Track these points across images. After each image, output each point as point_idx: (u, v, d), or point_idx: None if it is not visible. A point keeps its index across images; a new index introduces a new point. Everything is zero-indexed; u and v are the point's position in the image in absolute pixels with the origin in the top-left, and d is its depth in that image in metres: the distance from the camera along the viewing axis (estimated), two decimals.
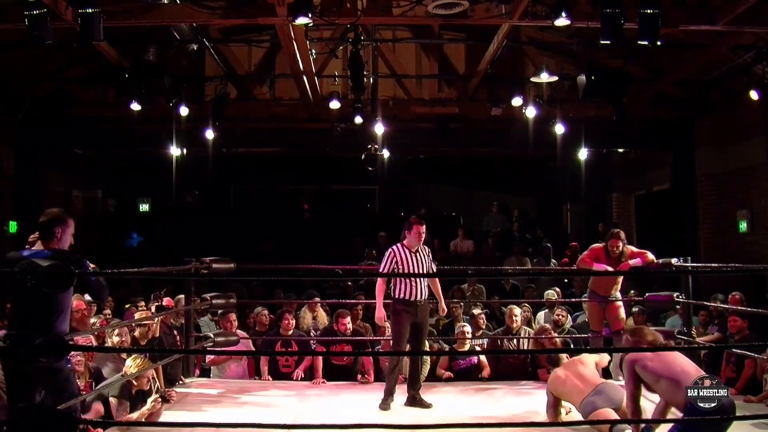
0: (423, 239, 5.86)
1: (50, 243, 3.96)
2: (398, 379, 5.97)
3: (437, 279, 6.21)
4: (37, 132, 10.84)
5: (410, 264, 5.73)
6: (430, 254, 5.99)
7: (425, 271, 5.83)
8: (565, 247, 12.05)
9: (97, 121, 11.10)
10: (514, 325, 7.08)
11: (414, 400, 5.72)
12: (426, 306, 5.87)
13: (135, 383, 4.93)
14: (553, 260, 11.33)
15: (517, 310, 7.15)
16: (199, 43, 9.37)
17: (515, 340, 7.16)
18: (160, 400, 4.88)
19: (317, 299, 8.03)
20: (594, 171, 12.98)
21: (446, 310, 6.38)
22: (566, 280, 10.22)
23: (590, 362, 5.08)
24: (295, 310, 7.87)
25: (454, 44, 10.67)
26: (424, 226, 5.83)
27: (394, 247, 5.85)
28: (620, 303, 6.55)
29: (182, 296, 6.82)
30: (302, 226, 14.60)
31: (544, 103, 10.03)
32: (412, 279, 5.72)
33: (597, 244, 6.67)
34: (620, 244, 6.30)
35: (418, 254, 5.80)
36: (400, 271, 5.72)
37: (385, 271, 5.80)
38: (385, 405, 5.62)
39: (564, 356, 6.11)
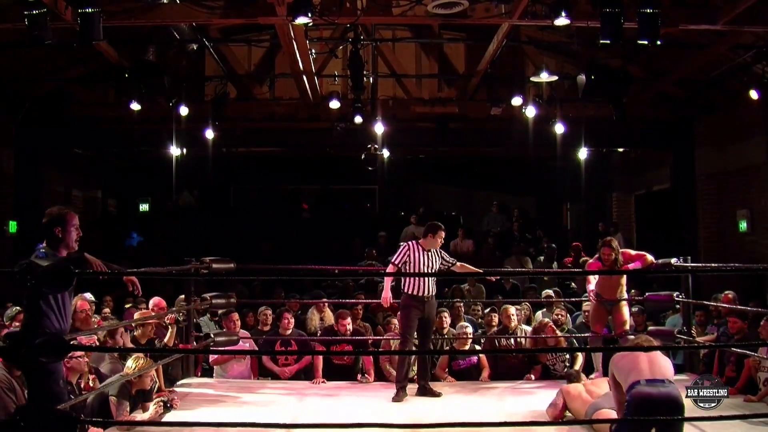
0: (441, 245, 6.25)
1: (55, 243, 3.95)
2: (409, 374, 6.15)
3: (465, 265, 6.39)
4: (37, 132, 10.84)
5: (421, 262, 6.07)
6: (443, 254, 6.26)
7: (434, 271, 6.15)
8: (566, 246, 12.05)
9: (97, 121, 11.10)
10: (512, 324, 7.08)
11: (425, 390, 6.03)
12: (433, 302, 6.17)
13: (135, 383, 4.92)
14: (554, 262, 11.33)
15: (512, 309, 7.15)
16: (199, 43, 9.38)
17: (513, 339, 7.15)
18: (162, 404, 4.87)
19: (324, 300, 8.03)
20: (594, 171, 12.99)
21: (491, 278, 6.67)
22: (564, 282, 10.20)
23: (603, 384, 5.05)
24: (296, 310, 7.88)
25: (453, 44, 10.68)
26: (444, 234, 6.23)
27: (411, 242, 6.23)
28: (626, 306, 6.56)
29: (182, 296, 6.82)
30: (302, 226, 14.59)
31: (544, 103, 10.02)
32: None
33: (591, 260, 6.78)
34: (612, 253, 6.32)
35: (430, 253, 6.13)
36: (411, 265, 6.06)
37: (397, 261, 6.14)
38: (397, 398, 5.84)
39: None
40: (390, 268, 6.23)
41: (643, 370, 4.13)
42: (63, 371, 4.04)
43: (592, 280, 6.65)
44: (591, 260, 6.92)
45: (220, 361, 6.94)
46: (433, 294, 6.12)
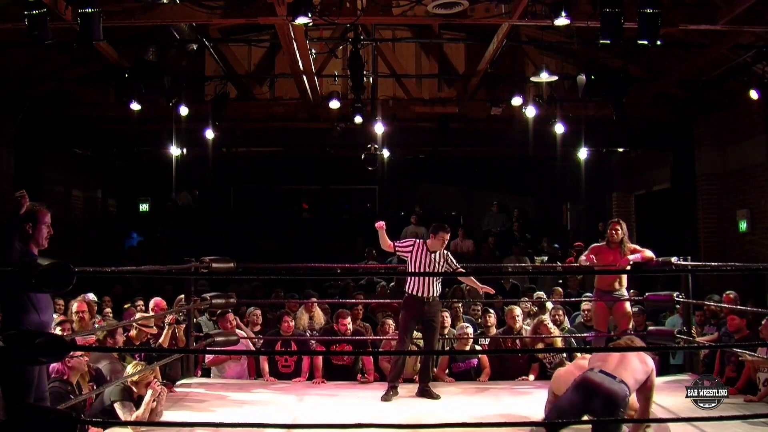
0: (445, 245, 6.18)
1: (25, 239, 3.91)
2: (401, 375, 6.14)
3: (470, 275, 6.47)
4: (37, 132, 10.84)
5: (424, 262, 6.04)
6: (448, 256, 6.20)
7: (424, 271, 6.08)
8: (567, 246, 12.05)
9: (97, 121, 11.10)
10: (517, 325, 7.08)
11: (424, 392, 6.00)
12: (436, 303, 6.12)
13: (135, 390, 4.90)
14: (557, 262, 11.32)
15: (517, 310, 7.15)
16: (199, 43, 9.37)
17: (516, 340, 7.14)
18: (157, 382, 4.86)
19: (314, 299, 8.02)
20: (594, 171, 12.98)
21: (488, 288, 6.46)
22: (560, 281, 10.21)
23: None
24: (296, 311, 7.86)
25: (454, 44, 10.68)
26: (449, 234, 6.19)
27: (419, 240, 6.23)
28: (627, 301, 6.55)
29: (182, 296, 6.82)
30: (302, 226, 14.59)
31: (544, 103, 10.02)
32: (423, 276, 6.05)
33: (596, 244, 6.76)
34: (619, 229, 6.42)
35: (434, 255, 6.09)
36: (412, 264, 6.06)
37: (397, 245, 6.17)
38: (386, 397, 5.85)
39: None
40: (389, 246, 6.15)
41: (606, 362, 4.20)
42: (40, 371, 4.00)
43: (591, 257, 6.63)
44: (595, 244, 6.88)
45: (215, 362, 6.93)
46: (436, 295, 6.08)
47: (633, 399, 4.51)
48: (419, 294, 6.00)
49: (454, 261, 6.23)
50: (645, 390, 4.39)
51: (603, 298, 6.57)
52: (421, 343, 6.34)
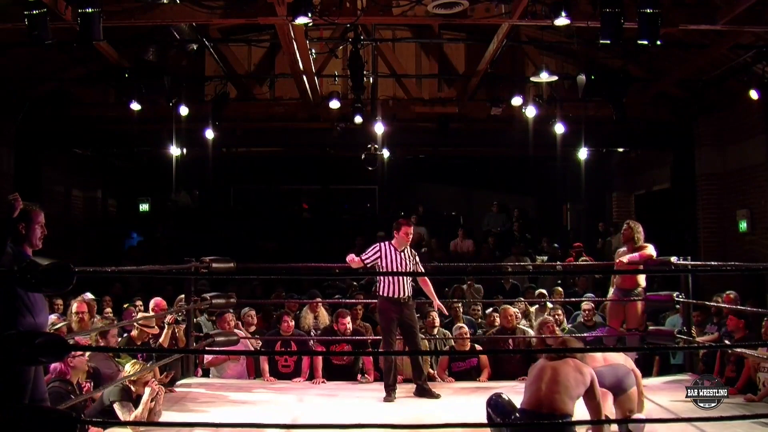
0: (410, 240, 6.14)
1: (18, 240, 3.88)
2: (397, 376, 6.11)
3: (427, 280, 6.33)
4: (37, 132, 10.84)
5: (395, 262, 5.99)
6: (416, 256, 6.20)
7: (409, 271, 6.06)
8: (567, 246, 12.06)
9: (97, 121, 11.10)
10: (510, 325, 7.08)
11: (423, 391, 5.96)
12: (411, 304, 6.10)
13: (134, 389, 4.90)
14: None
15: (512, 310, 7.16)
16: (199, 43, 9.37)
17: (513, 339, 7.15)
18: (155, 381, 4.86)
19: (319, 299, 8.02)
20: (594, 171, 12.99)
21: (442, 306, 6.44)
22: (559, 281, 10.21)
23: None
24: (296, 311, 7.87)
25: (454, 44, 10.69)
26: (412, 228, 6.16)
27: (383, 243, 6.13)
28: (640, 302, 6.55)
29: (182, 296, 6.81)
30: (302, 226, 14.59)
31: (544, 103, 10.02)
32: (396, 277, 5.99)
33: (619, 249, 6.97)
34: (627, 230, 6.52)
35: (403, 254, 6.06)
36: (383, 266, 5.97)
37: (366, 259, 6.05)
38: (389, 398, 5.84)
39: None
40: (356, 262, 6.05)
41: (537, 394, 3.94)
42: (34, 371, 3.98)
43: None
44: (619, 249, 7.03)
45: (214, 363, 6.92)
46: (410, 295, 6.04)
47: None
48: (395, 296, 5.95)
49: (419, 263, 6.22)
50: (589, 400, 4.09)
51: (621, 297, 6.59)
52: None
